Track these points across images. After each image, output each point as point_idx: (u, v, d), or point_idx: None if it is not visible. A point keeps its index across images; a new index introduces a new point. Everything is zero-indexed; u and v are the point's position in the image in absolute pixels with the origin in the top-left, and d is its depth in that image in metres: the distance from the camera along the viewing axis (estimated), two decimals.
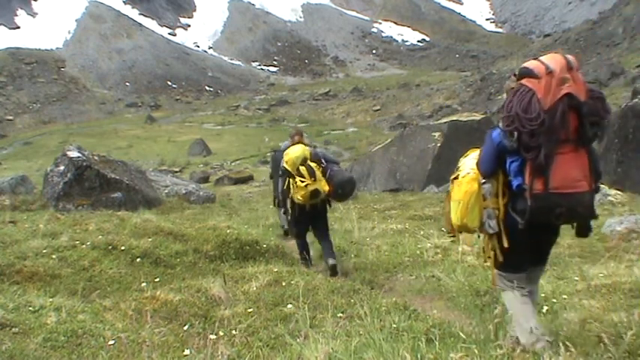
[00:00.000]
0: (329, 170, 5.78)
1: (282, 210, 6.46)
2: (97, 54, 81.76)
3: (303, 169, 5.63)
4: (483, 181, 2.88)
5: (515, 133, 2.59)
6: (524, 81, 2.64)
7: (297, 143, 5.94)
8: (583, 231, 2.94)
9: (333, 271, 5.51)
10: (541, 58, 2.70)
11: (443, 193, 13.08)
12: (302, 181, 5.59)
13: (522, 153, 2.61)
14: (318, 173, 5.67)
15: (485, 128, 19.74)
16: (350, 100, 65.64)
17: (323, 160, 5.84)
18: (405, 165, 16.28)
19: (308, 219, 5.90)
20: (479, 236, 3.06)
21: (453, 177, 3.09)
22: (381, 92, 65.88)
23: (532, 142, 2.55)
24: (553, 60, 2.63)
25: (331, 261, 5.63)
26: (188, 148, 39.55)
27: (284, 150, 6.08)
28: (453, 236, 3.76)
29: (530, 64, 2.68)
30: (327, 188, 5.68)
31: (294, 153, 5.68)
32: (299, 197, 5.62)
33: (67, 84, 71.86)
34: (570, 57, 2.65)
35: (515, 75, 2.77)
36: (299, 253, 6.19)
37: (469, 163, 3.03)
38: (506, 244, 2.78)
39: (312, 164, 5.70)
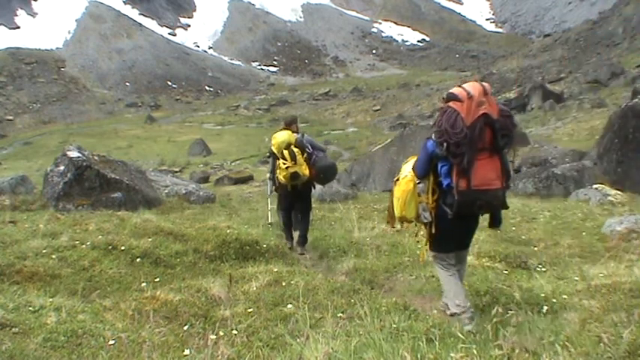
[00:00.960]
0: (314, 156, 6.52)
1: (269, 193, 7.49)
2: (97, 54, 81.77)
3: (286, 152, 6.38)
4: (418, 181, 3.65)
5: (445, 144, 3.32)
6: (450, 104, 3.37)
7: (288, 129, 6.61)
8: (495, 222, 3.71)
9: (300, 240, 6.73)
10: (463, 85, 3.42)
11: None
12: (284, 164, 6.36)
13: (450, 159, 3.35)
14: (300, 158, 6.39)
15: None
16: (350, 100, 65.65)
17: (309, 147, 6.55)
18: None
19: (290, 198, 6.78)
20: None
21: (395, 179, 3.86)
22: (381, 92, 65.89)
23: (458, 151, 3.28)
24: (473, 87, 3.37)
25: (300, 232, 6.81)
26: (188, 148, 39.56)
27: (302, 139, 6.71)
28: (393, 227, 4.49)
29: (455, 90, 3.41)
30: (307, 172, 6.43)
31: (280, 137, 6.45)
32: (281, 177, 6.46)
33: (67, 84, 71.87)
34: (486, 84, 3.43)
35: (443, 99, 3.49)
36: (283, 232, 7.04)
37: (407, 167, 3.79)
38: (434, 231, 3.63)
39: (296, 149, 6.41)
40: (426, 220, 3.64)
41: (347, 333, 2.94)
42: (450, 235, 3.64)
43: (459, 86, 3.45)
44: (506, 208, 3.59)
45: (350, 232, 7.56)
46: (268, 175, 7.43)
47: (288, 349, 2.85)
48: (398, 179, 3.82)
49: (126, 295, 4.09)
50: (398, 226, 4.19)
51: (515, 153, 19.51)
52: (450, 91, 3.46)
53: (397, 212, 3.78)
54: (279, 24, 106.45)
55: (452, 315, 3.59)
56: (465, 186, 3.32)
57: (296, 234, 7.10)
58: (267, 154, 7.32)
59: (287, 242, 6.93)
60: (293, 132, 6.65)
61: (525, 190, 11.27)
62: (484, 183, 3.34)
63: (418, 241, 3.76)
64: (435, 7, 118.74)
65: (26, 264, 4.54)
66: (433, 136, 3.48)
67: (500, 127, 3.37)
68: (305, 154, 6.48)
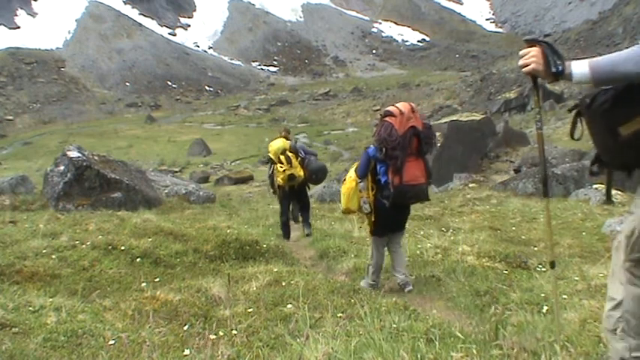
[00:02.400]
0: (306, 160, 7.49)
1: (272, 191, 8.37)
2: (97, 54, 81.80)
3: (282, 157, 7.32)
4: (359, 181, 4.59)
5: (383, 149, 4.30)
6: (387, 118, 4.34)
7: (282, 137, 7.63)
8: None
9: (306, 225, 7.86)
10: (396, 104, 4.40)
11: (443, 193, 13.07)
12: (281, 167, 7.31)
13: (387, 161, 4.33)
14: (295, 161, 7.33)
15: (485, 128, 19.79)
16: (350, 100, 65.68)
17: (302, 152, 7.55)
18: None
19: (288, 197, 7.75)
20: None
21: (343, 179, 5.10)
22: (381, 92, 65.91)
23: (393, 154, 4.26)
24: (403, 106, 4.36)
25: (307, 230, 7.85)
26: (188, 148, 39.59)
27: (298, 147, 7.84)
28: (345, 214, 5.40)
29: (390, 108, 4.38)
30: (302, 173, 7.37)
31: (276, 145, 7.44)
32: (279, 180, 7.40)
33: (67, 84, 71.90)
34: (413, 104, 4.44)
35: (381, 115, 4.47)
36: (282, 232, 7.87)
37: (351, 170, 4.78)
38: (373, 219, 4.61)
39: (290, 154, 7.35)
40: (366, 211, 4.60)
41: (347, 333, 2.94)
42: (385, 221, 4.64)
43: (394, 105, 4.43)
44: (429, 199, 4.87)
45: (350, 232, 7.56)
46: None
47: (288, 349, 2.85)
48: (345, 179, 4.84)
49: (126, 295, 4.09)
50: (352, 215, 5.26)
51: (515, 153, 19.56)
52: (386, 108, 4.45)
53: (343, 205, 4.81)
54: (279, 24, 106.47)
55: (371, 282, 4.77)
56: (399, 181, 4.31)
57: (294, 229, 8.23)
58: (265, 159, 8.41)
59: (285, 241, 7.67)
60: (287, 139, 7.63)
61: (525, 190, 11.27)
62: (413, 179, 4.35)
63: (360, 226, 4.95)
64: (435, 7, 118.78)
65: (26, 264, 4.54)
66: (373, 144, 4.50)
67: (424, 136, 4.39)
68: (299, 158, 7.41)
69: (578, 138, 2.10)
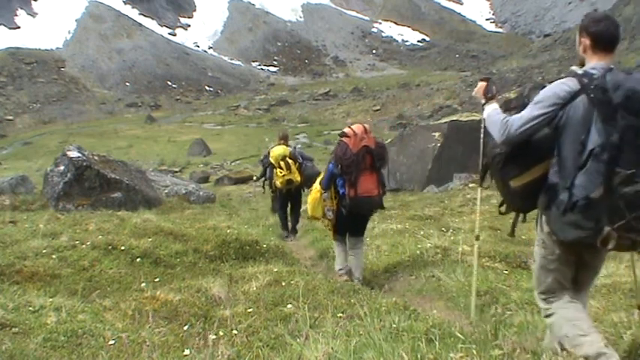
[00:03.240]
0: (304, 165, 8.28)
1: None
2: (97, 54, 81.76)
3: (282, 163, 8.05)
4: (324, 192, 5.27)
5: (339, 166, 4.99)
6: (343, 139, 5.07)
7: (282, 144, 8.30)
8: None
9: (292, 230, 8.62)
10: (351, 126, 5.10)
11: (443, 193, 13.07)
12: (280, 172, 8.06)
13: (343, 176, 5.00)
14: (293, 167, 8.10)
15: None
16: (350, 100, 65.63)
17: (300, 158, 8.30)
18: (405, 165, 16.28)
19: (286, 199, 8.56)
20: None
21: (310, 189, 5.99)
22: (381, 92, 65.89)
23: (348, 170, 4.93)
24: (357, 128, 5.05)
25: (292, 224, 8.71)
26: (188, 148, 39.54)
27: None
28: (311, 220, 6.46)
29: (346, 130, 5.09)
30: (299, 178, 8.15)
31: (277, 151, 8.17)
32: (278, 183, 8.17)
33: (67, 84, 71.87)
34: (367, 125, 5.13)
35: (339, 135, 5.19)
36: (280, 226, 8.79)
37: (317, 182, 5.46)
38: (334, 222, 5.34)
39: (290, 161, 8.10)
40: (330, 217, 5.32)
41: (347, 333, 2.94)
42: (345, 226, 5.35)
43: (349, 127, 5.13)
44: (384, 208, 5.51)
45: None
46: (262, 179, 9.11)
47: (288, 349, 2.85)
48: (312, 189, 5.59)
49: (126, 295, 4.09)
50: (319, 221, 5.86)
51: None
52: (343, 130, 5.18)
53: (310, 212, 5.58)
54: (279, 24, 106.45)
55: (338, 270, 5.44)
56: (354, 194, 4.96)
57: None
58: (262, 158, 9.18)
59: (283, 232, 8.67)
60: (287, 145, 8.34)
61: None
62: (366, 192, 4.99)
63: (326, 226, 5.64)
64: (435, 7, 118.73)
65: (26, 264, 4.54)
66: (333, 161, 5.15)
67: (376, 154, 5.04)
68: (297, 164, 8.18)
69: (487, 187, 3.20)
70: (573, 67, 2.54)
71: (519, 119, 2.37)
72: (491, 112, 2.64)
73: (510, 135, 2.38)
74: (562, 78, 2.40)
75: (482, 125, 2.87)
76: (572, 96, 2.30)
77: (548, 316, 2.52)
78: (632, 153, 2.11)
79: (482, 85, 2.85)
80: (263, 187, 9.07)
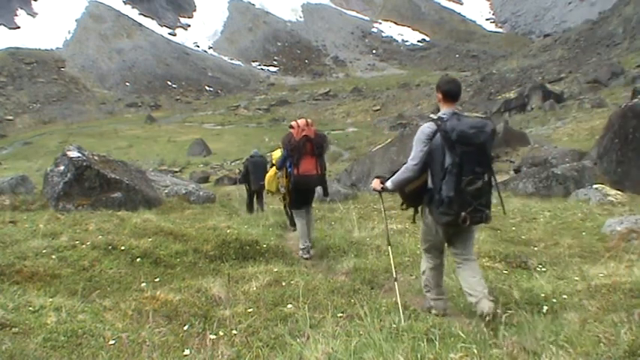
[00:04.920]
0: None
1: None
2: (97, 54, 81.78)
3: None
4: (278, 171, 6.77)
5: (287, 150, 6.31)
6: (290, 130, 6.33)
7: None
8: (324, 193, 6.70)
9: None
10: (297, 120, 6.42)
11: None
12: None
13: (289, 158, 6.30)
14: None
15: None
16: (350, 100, 65.67)
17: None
18: None
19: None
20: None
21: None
22: (381, 92, 65.92)
23: (292, 154, 6.22)
24: (301, 122, 6.35)
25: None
26: (188, 148, 39.57)
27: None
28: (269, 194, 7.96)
29: (292, 123, 6.42)
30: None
31: (277, 155, 8.66)
32: (282, 182, 9.02)
33: (67, 84, 71.89)
34: (309, 120, 6.44)
35: (289, 127, 6.48)
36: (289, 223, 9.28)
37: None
38: (288, 197, 6.72)
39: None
40: (283, 192, 6.75)
41: (347, 333, 2.94)
42: (297, 199, 6.60)
43: (295, 121, 6.47)
44: (324, 186, 6.53)
45: (350, 232, 7.55)
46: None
47: (288, 349, 2.85)
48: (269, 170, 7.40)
49: (126, 295, 4.08)
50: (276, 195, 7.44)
51: (516, 153, 19.56)
52: (291, 123, 6.50)
53: (266, 187, 7.32)
54: (279, 24, 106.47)
55: (301, 249, 6.52)
56: (297, 172, 6.23)
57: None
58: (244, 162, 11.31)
59: (291, 227, 8.91)
60: None
61: (525, 190, 11.27)
62: (306, 171, 6.22)
63: (280, 199, 7.22)
64: (435, 7, 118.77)
65: (26, 264, 4.54)
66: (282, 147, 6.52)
67: (315, 142, 6.27)
68: None
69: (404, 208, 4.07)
70: (431, 115, 4.00)
71: (412, 159, 3.62)
72: (392, 179, 3.80)
73: (413, 169, 3.63)
74: (426, 122, 3.63)
75: (382, 200, 4.41)
76: (434, 134, 3.51)
77: (424, 264, 3.96)
78: (469, 167, 3.38)
79: (376, 181, 3.97)
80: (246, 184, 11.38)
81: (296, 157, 6.18)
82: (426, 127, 3.57)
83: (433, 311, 3.76)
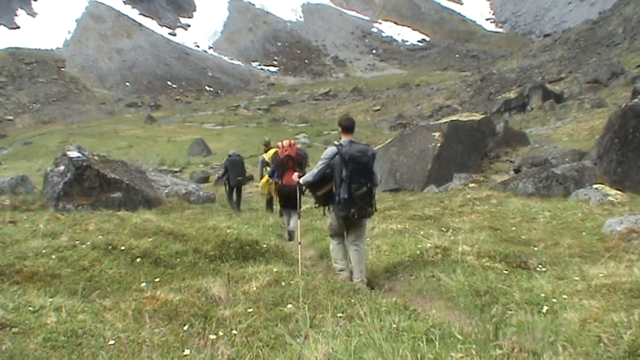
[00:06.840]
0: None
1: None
2: (97, 54, 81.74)
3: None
4: (270, 179, 8.98)
5: (274, 165, 8.49)
6: (277, 150, 8.62)
7: (269, 150, 10.75)
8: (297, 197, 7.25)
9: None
10: (282, 142, 8.42)
11: (443, 193, 13.06)
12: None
13: (276, 172, 8.34)
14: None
15: (484, 128, 19.78)
16: (350, 100, 65.65)
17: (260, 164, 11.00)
18: (405, 165, 16.28)
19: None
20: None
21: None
22: (381, 92, 65.91)
23: (277, 168, 8.30)
24: (285, 143, 8.32)
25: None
26: (188, 148, 39.54)
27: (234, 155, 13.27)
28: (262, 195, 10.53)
29: (278, 144, 8.54)
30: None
31: (271, 153, 9.85)
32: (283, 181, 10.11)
33: (67, 84, 71.84)
34: (292, 141, 8.45)
35: (275, 147, 9.19)
36: (266, 207, 11.65)
37: (266, 175, 9.39)
38: (278, 199, 8.67)
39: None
40: (273, 195, 8.72)
41: (347, 333, 2.94)
42: (283, 201, 8.32)
43: (280, 142, 8.40)
44: (303, 193, 6.53)
45: None
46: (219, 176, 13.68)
47: (288, 349, 2.85)
48: (264, 176, 9.60)
49: (126, 295, 4.08)
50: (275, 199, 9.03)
51: (516, 153, 19.55)
52: (277, 144, 8.46)
53: (261, 191, 9.81)
54: (279, 24, 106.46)
55: (288, 233, 8.43)
56: (281, 182, 8.12)
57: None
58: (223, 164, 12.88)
59: (267, 210, 11.09)
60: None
61: (525, 190, 11.26)
62: (288, 182, 7.43)
63: (270, 199, 9.81)
64: (435, 7, 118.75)
65: (26, 264, 4.54)
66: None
67: (296, 159, 8.11)
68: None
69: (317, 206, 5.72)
70: (335, 142, 5.34)
71: (316, 168, 5.16)
72: (302, 178, 5.50)
73: (313, 175, 5.20)
74: (331, 146, 5.18)
75: (299, 187, 5.72)
76: (334, 155, 5.05)
77: (332, 245, 5.48)
78: (357, 178, 4.97)
79: (296, 174, 5.79)
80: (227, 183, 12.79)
81: (280, 171, 8.15)
82: (330, 150, 5.12)
83: (340, 277, 5.17)
